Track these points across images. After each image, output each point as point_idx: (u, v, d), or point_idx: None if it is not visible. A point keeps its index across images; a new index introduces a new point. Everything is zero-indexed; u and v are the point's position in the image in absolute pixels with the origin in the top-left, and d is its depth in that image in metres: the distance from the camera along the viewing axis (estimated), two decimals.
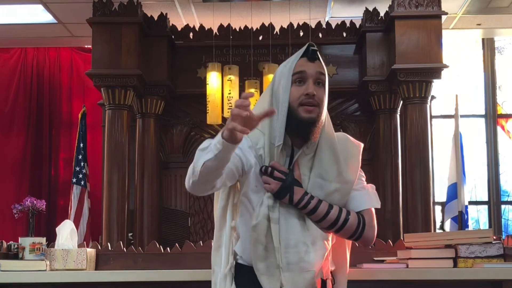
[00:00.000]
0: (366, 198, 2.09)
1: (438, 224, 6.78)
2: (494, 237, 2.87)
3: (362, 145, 2.17)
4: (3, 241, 3.29)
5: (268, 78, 5.61)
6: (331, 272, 2.11)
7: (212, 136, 6.62)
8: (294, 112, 2.01)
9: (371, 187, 2.14)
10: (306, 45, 2.08)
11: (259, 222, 1.99)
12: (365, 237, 2.06)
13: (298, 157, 2.04)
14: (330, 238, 2.06)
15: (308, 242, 1.99)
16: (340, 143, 2.09)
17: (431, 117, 6.34)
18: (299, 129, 2.01)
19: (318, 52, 2.07)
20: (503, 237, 3.02)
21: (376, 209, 2.12)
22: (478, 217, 7.60)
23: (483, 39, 7.61)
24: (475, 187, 7.57)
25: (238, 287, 2.05)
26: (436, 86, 5.74)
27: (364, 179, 2.15)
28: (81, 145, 6.85)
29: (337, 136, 2.12)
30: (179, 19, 6.56)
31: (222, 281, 2.07)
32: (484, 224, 7.52)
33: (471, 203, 7.03)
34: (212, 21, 6.20)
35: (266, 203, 2.00)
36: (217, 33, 6.23)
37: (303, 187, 2.02)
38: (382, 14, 5.98)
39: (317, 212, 2.00)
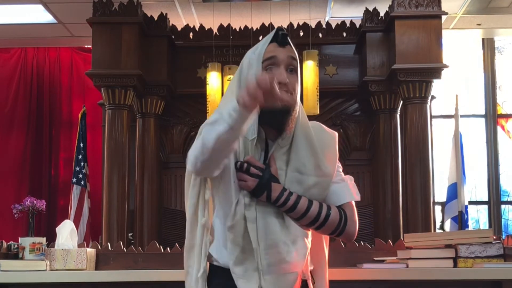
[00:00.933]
0: (346, 191, 1.95)
1: (438, 224, 6.78)
2: (494, 237, 2.87)
3: (336, 134, 2.02)
4: (3, 241, 3.29)
5: None
6: (310, 272, 1.99)
7: None
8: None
9: (350, 179, 2.00)
10: (275, 29, 1.93)
11: (236, 222, 1.86)
12: (347, 232, 1.93)
13: (274, 150, 1.90)
14: (310, 236, 1.94)
15: (289, 241, 1.86)
16: (315, 133, 1.95)
17: (431, 117, 6.34)
18: (273, 120, 1.85)
19: (288, 37, 1.92)
20: (503, 237, 3.02)
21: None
22: (478, 217, 7.60)
23: (483, 39, 7.61)
24: (475, 187, 7.57)
25: None
26: (436, 86, 5.74)
27: (341, 170, 2.01)
28: (81, 145, 6.85)
29: (311, 126, 1.97)
30: (179, 19, 6.56)
31: (195, 285, 1.95)
32: (484, 224, 7.52)
33: (471, 203, 7.03)
34: (212, 21, 6.20)
35: (242, 201, 1.86)
36: (217, 33, 6.23)
37: (280, 182, 1.88)
38: (382, 14, 5.98)
39: (297, 209, 1.86)
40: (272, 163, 1.90)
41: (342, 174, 2.01)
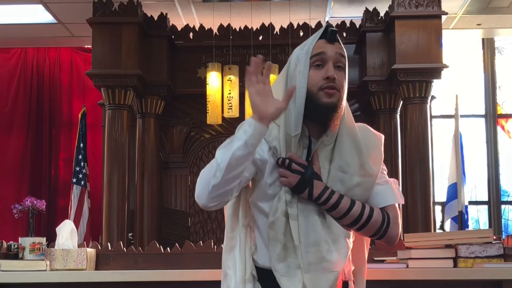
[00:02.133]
0: (390, 193, 1.92)
1: (438, 224, 6.78)
2: (494, 237, 2.87)
3: (383, 136, 1.99)
4: (3, 241, 3.29)
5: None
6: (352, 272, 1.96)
7: (212, 136, 6.54)
8: (313, 98, 1.83)
9: (394, 182, 1.97)
10: (325, 25, 1.91)
11: (277, 219, 1.82)
12: (390, 235, 1.89)
13: (317, 148, 1.87)
14: (351, 236, 1.90)
15: (330, 240, 1.83)
16: (361, 133, 1.92)
17: (431, 117, 6.34)
18: (319, 116, 1.83)
19: (337, 34, 1.89)
20: (503, 237, 3.02)
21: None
22: (478, 217, 7.60)
23: (483, 39, 7.61)
24: (475, 187, 7.57)
25: None
26: (436, 86, 5.74)
27: (386, 173, 1.97)
28: (81, 145, 6.85)
29: (357, 126, 1.94)
30: (179, 19, 6.56)
31: (239, 286, 1.88)
32: (484, 224, 7.52)
33: (471, 203, 7.03)
34: (212, 21, 6.20)
35: (283, 198, 1.83)
36: (217, 33, 6.23)
37: (323, 180, 1.85)
38: (382, 14, 5.98)
39: (339, 208, 1.83)
40: (315, 160, 1.87)
41: (387, 176, 1.98)
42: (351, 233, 1.91)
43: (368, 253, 2.98)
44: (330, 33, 1.88)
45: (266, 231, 1.86)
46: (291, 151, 1.85)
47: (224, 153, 1.74)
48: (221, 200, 1.81)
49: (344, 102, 1.88)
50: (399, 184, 2.19)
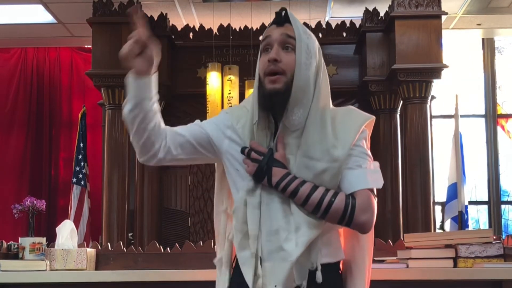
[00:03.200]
0: (360, 177, 1.81)
1: (438, 224, 6.78)
2: (494, 237, 2.87)
3: (370, 118, 1.90)
4: (3, 241, 3.29)
5: None
6: (337, 263, 1.89)
7: None
8: (262, 84, 1.82)
9: (373, 165, 1.86)
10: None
11: (237, 207, 1.82)
12: (357, 223, 1.79)
13: (285, 135, 1.82)
14: (319, 224, 1.80)
15: (291, 228, 1.77)
16: (338, 117, 1.86)
17: (431, 117, 6.34)
18: (265, 103, 1.80)
19: (290, 16, 1.84)
20: (503, 237, 3.02)
21: (376, 208, 1.93)
22: (478, 217, 7.60)
23: (483, 39, 7.61)
24: (475, 187, 7.56)
25: (233, 278, 1.89)
26: (436, 86, 5.74)
27: (368, 156, 1.86)
28: (81, 145, 6.85)
29: (338, 111, 1.88)
30: (179, 19, 6.56)
31: (218, 269, 1.95)
32: (484, 224, 7.52)
33: (471, 203, 7.03)
34: (212, 21, 6.20)
35: (245, 187, 1.82)
36: (217, 33, 6.23)
37: (290, 167, 1.80)
38: (382, 14, 5.98)
39: (298, 194, 1.77)
40: (280, 147, 1.83)
41: (367, 159, 1.86)
42: (320, 222, 1.81)
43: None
44: (276, 16, 1.85)
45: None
46: (254, 138, 1.84)
47: (124, 108, 1.87)
48: (147, 152, 1.89)
49: (304, 82, 1.80)
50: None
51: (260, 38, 1.91)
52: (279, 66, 1.79)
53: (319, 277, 1.79)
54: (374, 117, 1.93)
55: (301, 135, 1.82)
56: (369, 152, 1.88)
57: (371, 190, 1.84)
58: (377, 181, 1.84)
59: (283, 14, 1.85)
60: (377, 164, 1.88)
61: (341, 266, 1.92)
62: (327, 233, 1.85)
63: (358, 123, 1.85)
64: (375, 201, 1.85)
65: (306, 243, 1.77)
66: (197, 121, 1.97)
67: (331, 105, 1.89)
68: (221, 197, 1.97)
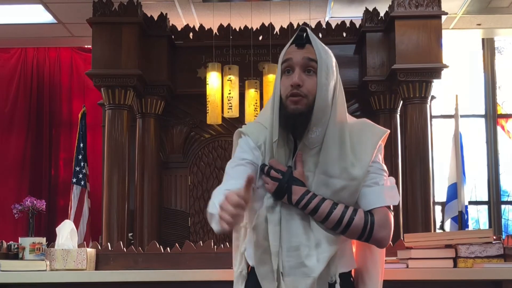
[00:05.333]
0: (377, 195, 1.87)
1: (438, 224, 6.78)
2: (494, 237, 2.87)
3: (385, 132, 1.94)
4: (3, 241, 3.29)
5: (268, 78, 5.61)
6: (349, 272, 1.95)
7: (212, 136, 6.53)
8: (283, 105, 1.86)
9: (390, 181, 1.92)
10: (299, 29, 1.90)
11: (258, 224, 1.86)
12: (375, 238, 1.86)
13: (303, 152, 1.87)
14: (337, 240, 1.87)
15: (312, 244, 1.84)
16: (354, 132, 1.90)
17: (431, 117, 6.34)
18: (288, 123, 1.85)
19: (311, 36, 1.88)
20: (503, 237, 3.02)
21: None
22: (478, 217, 7.60)
23: (483, 39, 7.61)
24: (475, 187, 7.57)
25: None
26: (436, 86, 5.74)
27: (384, 172, 1.92)
28: (81, 145, 6.85)
29: (354, 125, 1.93)
30: (179, 19, 6.56)
31: (236, 283, 1.98)
32: (484, 224, 7.52)
33: (471, 203, 7.03)
34: (212, 21, 6.20)
35: (265, 204, 1.86)
36: (217, 33, 6.23)
37: (307, 185, 1.85)
38: (382, 14, 5.98)
39: (319, 212, 1.83)
40: (299, 165, 1.88)
41: (383, 176, 1.92)
42: (338, 237, 1.88)
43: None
44: (296, 38, 1.88)
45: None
46: (273, 156, 1.88)
47: (211, 219, 1.74)
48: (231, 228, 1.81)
49: (325, 105, 1.86)
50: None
51: (280, 58, 1.91)
52: (302, 90, 1.84)
53: None
54: (389, 131, 1.98)
55: (319, 152, 1.87)
56: (385, 167, 1.94)
57: (388, 207, 1.90)
58: (393, 198, 1.90)
59: (304, 35, 1.88)
60: (393, 180, 1.94)
61: (352, 273, 1.97)
62: (342, 244, 1.90)
63: (375, 140, 1.91)
64: (392, 217, 1.90)
65: (328, 259, 1.84)
66: (239, 159, 1.91)
67: (347, 118, 1.94)
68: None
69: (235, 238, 2.02)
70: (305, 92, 1.84)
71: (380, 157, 1.93)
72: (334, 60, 1.93)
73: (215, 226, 1.71)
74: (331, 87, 1.89)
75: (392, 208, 1.92)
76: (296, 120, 1.84)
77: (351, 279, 1.96)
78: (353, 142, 1.89)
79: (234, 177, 1.85)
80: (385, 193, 1.89)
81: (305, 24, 6.22)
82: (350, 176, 1.85)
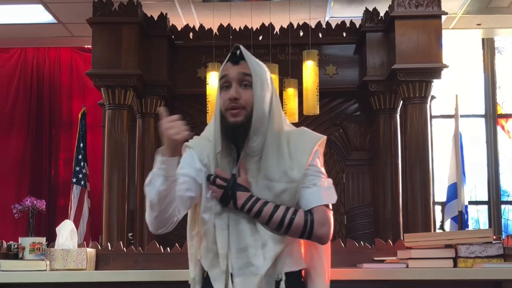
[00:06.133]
0: (315, 195, 2.02)
1: (438, 224, 6.78)
2: (494, 237, 2.87)
3: (321, 138, 2.09)
4: (3, 241, 3.29)
5: None
6: (299, 271, 2.07)
7: None
8: (223, 118, 2.01)
9: (327, 182, 2.06)
10: (233, 47, 2.06)
11: (207, 229, 2.02)
12: (316, 236, 1.99)
13: (246, 160, 2.02)
14: (282, 239, 2.00)
15: (258, 245, 1.97)
16: (292, 139, 2.05)
17: (431, 117, 6.34)
18: (230, 134, 2.00)
19: (244, 53, 2.03)
20: (503, 237, 3.02)
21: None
22: (478, 217, 7.60)
23: (483, 39, 7.61)
24: (475, 187, 7.57)
25: None
26: (436, 86, 5.74)
27: (322, 174, 2.06)
28: (81, 145, 6.85)
29: (292, 133, 2.07)
30: (179, 19, 6.56)
31: (192, 284, 2.12)
32: (484, 224, 7.52)
33: (471, 203, 7.03)
34: (212, 21, 6.20)
35: (213, 210, 2.01)
36: (217, 33, 6.23)
37: (252, 190, 2.00)
38: (382, 14, 5.98)
39: (262, 214, 1.97)
40: (242, 172, 2.02)
41: (321, 177, 2.05)
42: (283, 237, 2.00)
43: (368, 253, 2.98)
44: (231, 56, 2.04)
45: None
46: (218, 166, 2.02)
47: (151, 190, 1.92)
48: (167, 225, 2.01)
49: (263, 115, 2.00)
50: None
51: (218, 75, 2.07)
52: (240, 103, 1.99)
53: (283, 286, 1.99)
54: (325, 137, 2.12)
55: (260, 160, 2.02)
56: (323, 170, 2.08)
57: (327, 206, 2.04)
58: (331, 197, 2.05)
59: (237, 53, 2.03)
60: (330, 181, 2.08)
61: (303, 274, 2.10)
62: (289, 245, 2.04)
63: (311, 145, 2.05)
64: (331, 215, 2.04)
65: (273, 257, 1.98)
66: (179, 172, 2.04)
67: (285, 127, 2.08)
68: (194, 222, 2.14)
69: (190, 246, 2.15)
70: (243, 104, 1.99)
71: (318, 161, 2.06)
72: (268, 73, 2.08)
73: (159, 178, 1.90)
74: (267, 98, 2.03)
75: (331, 206, 2.05)
76: (237, 130, 1.99)
77: (301, 279, 2.10)
78: (290, 147, 2.03)
79: None
80: (323, 192, 2.03)
81: (305, 24, 6.22)
82: (289, 178, 2.00)
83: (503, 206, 7.55)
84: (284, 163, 2.00)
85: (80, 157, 6.81)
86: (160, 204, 1.92)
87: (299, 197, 2.02)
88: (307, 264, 2.10)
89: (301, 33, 6.20)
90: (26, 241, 3.14)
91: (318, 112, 5.55)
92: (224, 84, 2.03)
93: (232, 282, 1.97)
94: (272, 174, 2.00)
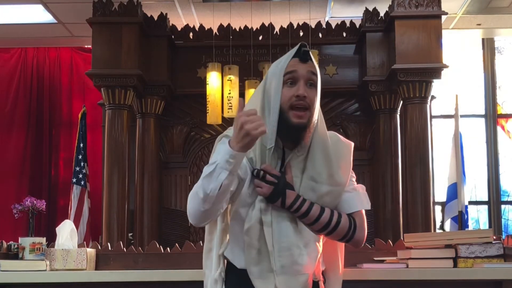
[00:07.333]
0: (357, 200, 2.07)
1: (438, 224, 6.78)
2: (494, 237, 2.87)
3: (352, 144, 2.14)
4: (3, 241, 3.29)
5: None
6: (322, 272, 2.09)
7: (212, 136, 6.54)
8: (285, 115, 1.97)
9: (362, 188, 2.11)
10: (298, 45, 2.03)
11: (252, 226, 1.96)
12: (356, 239, 2.04)
13: (290, 159, 2.01)
14: (321, 240, 2.05)
15: (301, 244, 1.97)
16: (332, 143, 2.06)
17: (431, 117, 6.34)
18: (289, 134, 1.98)
19: (310, 53, 2.02)
20: (503, 237, 3.02)
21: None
22: (478, 217, 7.60)
23: (483, 39, 7.61)
24: (475, 187, 7.57)
25: None
26: (436, 86, 5.74)
27: (354, 179, 2.12)
28: (81, 145, 6.85)
29: (329, 136, 2.08)
30: (179, 19, 6.56)
31: (213, 285, 2.05)
32: (484, 224, 7.52)
33: (471, 203, 7.03)
34: (212, 21, 6.20)
35: (258, 206, 1.97)
36: (217, 33, 6.23)
37: (295, 189, 1.99)
38: (382, 14, 5.98)
39: (309, 215, 1.97)
40: (288, 171, 2.00)
41: (355, 183, 2.11)
42: (321, 237, 2.04)
43: (368, 253, 2.98)
44: (302, 53, 2.00)
45: (241, 236, 1.99)
46: (265, 162, 1.98)
47: (211, 182, 1.84)
48: (213, 217, 1.96)
49: (316, 116, 2.00)
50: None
51: (279, 69, 2.00)
52: (306, 101, 1.97)
53: (322, 287, 2.03)
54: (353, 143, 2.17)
55: (304, 159, 2.02)
56: (354, 175, 2.15)
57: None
58: (368, 202, 2.11)
59: (308, 51, 2.01)
60: (363, 187, 2.14)
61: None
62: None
63: (349, 150, 2.10)
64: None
65: (317, 258, 2.01)
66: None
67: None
68: (220, 216, 2.03)
69: (208, 240, 2.09)
70: (309, 102, 1.97)
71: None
72: None
73: (218, 174, 1.82)
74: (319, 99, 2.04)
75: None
76: (300, 132, 1.98)
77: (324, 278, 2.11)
78: (336, 151, 2.05)
79: None
80: (362, 198, 2.09)
81: (305, 24, 6.22)
82: (335, 181, 2.01)
83: (503, 206, 7.55)
84: (331, 165, 2.02)
85: (80, 157, 6.81)
86: (218, 198, 1.85)
87: (340, 201, 2.04)
88: (326, 264, 2.12)
89: (301, 33, 6.20)
90: (26, 241, 3.14)
91: None
92: (289, 80, 1.98)
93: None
94: (319, 175, 2.00)
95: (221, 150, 1.86)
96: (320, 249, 2.03)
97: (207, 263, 2.09)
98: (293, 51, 2.02)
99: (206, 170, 1.87)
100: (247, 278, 1.97)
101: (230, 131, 2.01)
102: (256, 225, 1.96)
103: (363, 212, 2.07)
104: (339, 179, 2.02)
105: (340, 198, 2.04)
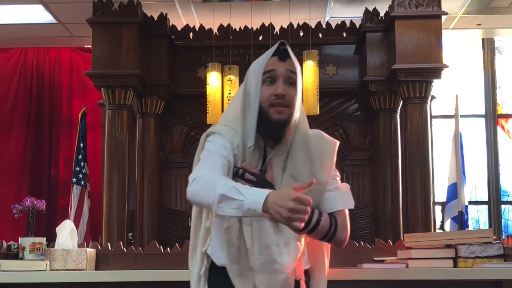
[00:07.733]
0: (339, 199, 2.04)
1: (438, 224, 6.78)
2: (494, 237, 2.87)
3: (337, 142, 2.12)
4: (3, 241, 3.29)
5: None
6: (306, 270, 2.07)
7: None
8: (265, 113, 1.97)
9: (346, 187, 2.09)
10: (277, 43, 2.02)
11: (231, 224, 1.95)
12: (337, 239, 2.01)
13: (271, 157, 2.01)
14: (302, 239, 2.02)
15: (281, 243, 1.95)
16: (314, 141, 2.05)
17: (431, 117, 6.34)
18: (270, 131, 1.97)
19: (289, 51, 2.01)
20: (503, 237, 3.02)
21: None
22: (478, 217, 7.60)
23: (483, 39, 7.61)
24: (475, 187, 7.57)
25: None
26: (436, 86, 5.74)
27: (338, 178, 2.10)
28: (81, 145, 6.85)
29: (312, 134, 2.07)
30: (179, 19, 6.56)
31: (196, 283, 2.04)
32: (484, 224, 7.52)
33: (471, 203, 7.03)
34: (212, 21, 6.20)
35: None
36: (217, 33, 6.23)
37: (276, 187, 1.96)
38: (382, 14, 5.98)
39: None
40: (269, 169, 1.99)
41: (339, 181, 2.09)
42: (303, 236, 2.01)
43: (368, 253, 2.98)
44: (281, 52, 2.00)
45: (222, 234, 1.98)
46: (246, 160, 1.98)
47: (225, 206, 1.77)
48: None
49: (297, 114, 2.00)
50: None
51: (259, 68, 2.00)
52: (286, 99, 1.97)
53: (303, 286, 2.02)
54: (338, 142, 2.14)
55: (286, 158, 2.01)
56: (338, 173, 2.12)
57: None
58: (351, 202, 2.08)
59: (286, 50, 2.00)
60: (348, 185, 2.11)
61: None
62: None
63: (333, 149, 2.08)
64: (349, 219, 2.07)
65: (297, 256, 1.98)
66: (216, 152, 1.96)
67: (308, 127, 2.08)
68: (205, 214, 2.05)
69: (193, 237, 2.08)
70: (288, 101, 1.98)
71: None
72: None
73: (235, 211, 1.75)
74: (300, 96, 2.05)
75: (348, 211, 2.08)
76: (278, 128, 1.97)
77: (307, 277, 2.10)
78: (317, 150, 2.04)
79: (213, 165, 1.91)
80: (345, 197, 2.06)
81: (305, 24, 6.22)
82: (317, 180, 1.94)
83: (503, 206, 7.55)
84: (313, 164, 2.00)
85: (80, 157, 6.81)
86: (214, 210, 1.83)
87: (322, 200, 2.02)
88: (311, 263, 2.10)
89: (301, 33, 6.20)
90: (26, 241, 3.14)
91: (318, 112, 5.55)
92: (268, 79, 1.99)
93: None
94: (300, 174, 1.99)
95: (257, 193, 1.76)
96: (302, 248, 2.01)
97: (192, 261, 2.08)
98: (272, 49, 2.02)
99: (231, 191, 1.76)
100: (227, 275, 1.96)
101: (215, 128, 2.03)
102: (235, 224, 1.95)
103: (346, 211, 2.05)
104: (320, 178, 2.00)
105: (322, 197, 2.02)
